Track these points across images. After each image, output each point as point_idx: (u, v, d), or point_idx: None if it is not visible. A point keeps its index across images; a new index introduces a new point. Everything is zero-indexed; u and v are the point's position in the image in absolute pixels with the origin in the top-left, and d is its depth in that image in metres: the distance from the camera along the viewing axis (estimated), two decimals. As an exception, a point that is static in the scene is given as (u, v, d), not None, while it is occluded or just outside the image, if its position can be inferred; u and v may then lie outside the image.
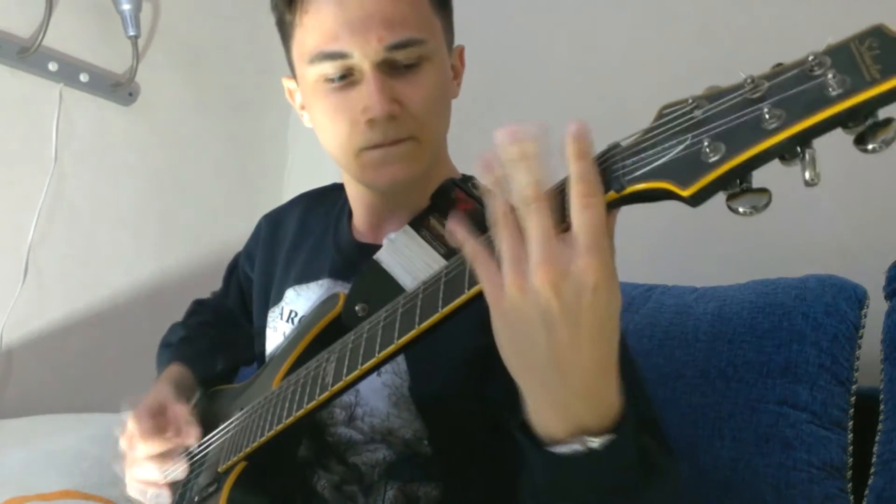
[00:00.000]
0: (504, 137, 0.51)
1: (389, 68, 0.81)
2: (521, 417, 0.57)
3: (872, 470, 0.97)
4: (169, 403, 0.96)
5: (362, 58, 0.80)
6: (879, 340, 1.03)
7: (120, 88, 1.80)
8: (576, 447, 0.53)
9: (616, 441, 0.53)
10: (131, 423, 0.93)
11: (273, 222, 1.14)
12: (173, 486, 0.93)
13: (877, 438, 0.99)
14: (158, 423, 0.93)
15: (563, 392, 0.52)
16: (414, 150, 0.84)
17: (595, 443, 0.52)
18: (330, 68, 0.81)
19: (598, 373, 0.52)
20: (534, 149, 0.50)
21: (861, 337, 1.05)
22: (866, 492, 0.97)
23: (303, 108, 0.92)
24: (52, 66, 1.68)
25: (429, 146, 0.86)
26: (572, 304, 0.49)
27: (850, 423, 1.01)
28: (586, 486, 0.56)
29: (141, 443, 0.91)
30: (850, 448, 1.00)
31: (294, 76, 0.91)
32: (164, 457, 0.92)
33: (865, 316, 1.06)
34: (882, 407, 1.00)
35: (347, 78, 0.82)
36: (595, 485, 0.55)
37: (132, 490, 0.95)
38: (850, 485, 0.99)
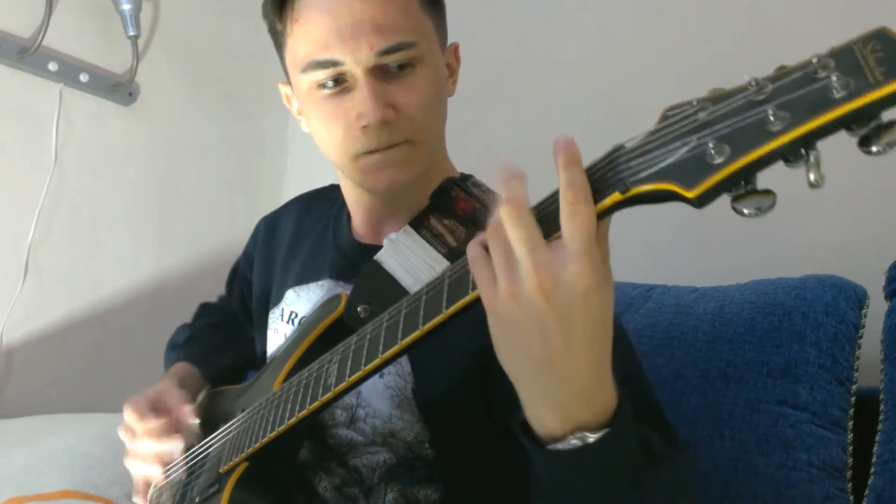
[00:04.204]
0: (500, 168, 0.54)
1: (382, 73, 0.81)
2: (521, 417, 0.58)
3: (872, 470, 0.98)
4: (167, 392, 0.97)
5: (354, 65, 0.80)
6: (879, 340, 1.03)
7: (120, 88, 1.80)
8: (574, 443, 0.54)
9: (612, 434, 0.54)
10: (128, 411, 0.94)
11: (270, 225, 1.15)
12: (173, 485, 0.93)
13: (877, 438, 0.99)
14: (156, 407, 0.94)
15: (559, 393, 0.54)
16: (410, 153, 0.84)
17: (592, 438, 0.54)
18: (322, 75, 0.82)
19: (593, 373, 0.54)
20: (516, 171, 0.53)
21: (861, 337, 1.06)
22: (866, 492, 0.97)
23: (300, 113, 0.92)
24: (52, 66, 1.68)
25: (425, 148, 0.86)
26: (565, 310, 0.50)
27: (850, 423, 1.02)
28: (587, 480, 0.56)
29: (139, 423, 0.92)
30: (850, 448, 1.01)
31: (289, 82, 0.91)
32: (162, 432, 0.93)
33: (865, 316, 1.06)
34: (882, 407, 1.00)
35: (340, 84, 0.82)
36: (595, 477, 0.56)
37: (135, 471, 0.96)
38: (850, 485, 0.99)
